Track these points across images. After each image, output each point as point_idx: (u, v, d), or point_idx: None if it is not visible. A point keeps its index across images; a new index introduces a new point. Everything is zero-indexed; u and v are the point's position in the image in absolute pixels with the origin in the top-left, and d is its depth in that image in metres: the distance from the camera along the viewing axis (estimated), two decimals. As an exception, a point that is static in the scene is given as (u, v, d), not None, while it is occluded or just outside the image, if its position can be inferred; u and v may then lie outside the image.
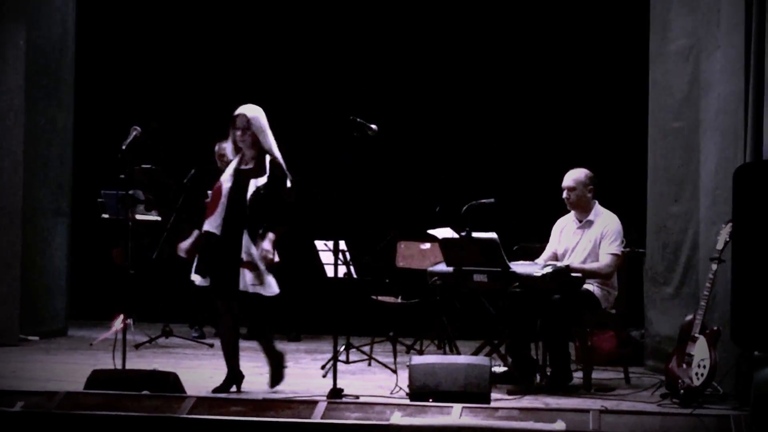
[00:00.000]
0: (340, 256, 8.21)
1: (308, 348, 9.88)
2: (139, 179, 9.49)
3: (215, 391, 7.27)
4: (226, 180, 7.32)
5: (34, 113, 9.79)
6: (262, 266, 7.21)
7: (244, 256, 7.17)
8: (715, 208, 7.55)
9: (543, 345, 7.91)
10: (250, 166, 7.36)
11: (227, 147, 7.48)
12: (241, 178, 7.30)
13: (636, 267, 8.73)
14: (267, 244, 7.19)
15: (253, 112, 7.35)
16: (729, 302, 6.73)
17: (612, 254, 7.76)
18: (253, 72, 11.10)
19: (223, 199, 7.28)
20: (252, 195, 7.24)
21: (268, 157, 7.32)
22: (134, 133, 7.64)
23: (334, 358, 7.27)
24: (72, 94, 10.34)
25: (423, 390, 6.83)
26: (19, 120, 9.53)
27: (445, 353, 8.71)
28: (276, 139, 8.40)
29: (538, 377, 7.79)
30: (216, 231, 7.25)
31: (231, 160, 7.40)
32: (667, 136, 8.61)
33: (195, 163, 9.57)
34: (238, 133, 7.31)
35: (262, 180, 7.27)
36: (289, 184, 7.34)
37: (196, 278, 7.36)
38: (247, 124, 7.30)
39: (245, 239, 7.19)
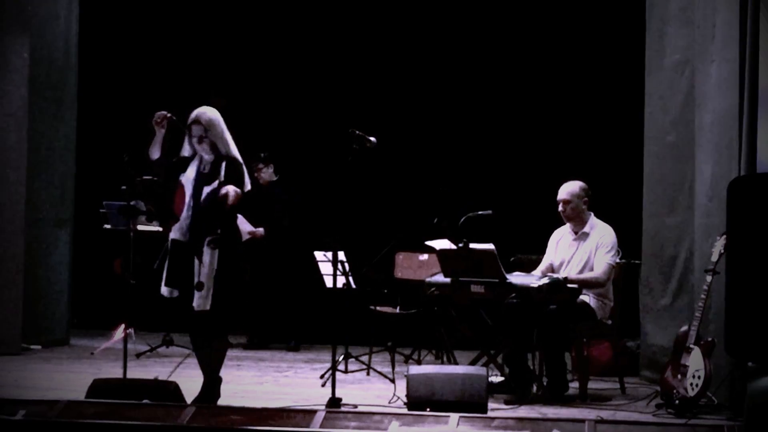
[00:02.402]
0: (339, 266, 8.27)
1: (307, 358, 9.92)
2: (141, 190, 9.53)
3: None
4: (187, 183, 6.97)
5: (37, 124, 9.85)
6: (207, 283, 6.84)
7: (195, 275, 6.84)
8: (709, 221, 7.58)
9: (539, 355, 7.95)
10: (206, 171, 7.00)
11: (185, 146, 7.09)
12: (198, 185, 6.95)
13: (631, 278, 8.75)
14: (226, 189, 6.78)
15: (208, 119, 6.99)
16: (723, 314, 6.77)
17: (608, 264, 7.80)
18: (253, 85, 11.16)
19: (188, 202, 6.91)
20: (203, 202, 6.90)
21: (223, 163, 6.95)
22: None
23: (333, 368, 7.31)
24: (75, 105, 10.38)
25: (421, 399, 6.84)
26: (23, 131, 9.58)
27: (442, 363, 8.73)
28: (276, 150, 8.53)
29: (534, 387, 7.82)
30: (182, 238, 6.91)
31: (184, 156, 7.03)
32: (662, 148, 8.66)
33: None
34: (194, 140, 6.98)
35: (213, 186, 6.90)
36: (248, 186, 7.04)
37: (165, 291, 7.00)
38: (204, 133, 6.96)
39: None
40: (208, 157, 6.99)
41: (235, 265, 6.92)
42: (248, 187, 7.03)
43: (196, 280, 6.80)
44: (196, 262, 6.81)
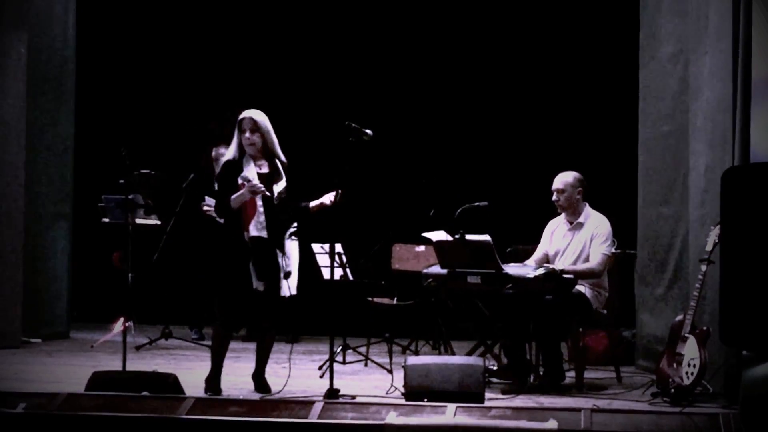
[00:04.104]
0: (337, 258, 8.30)
1: (306, 349, 9.96)
2: (139, 184, 9.57)
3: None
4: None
5: (35, 119, 9.87)
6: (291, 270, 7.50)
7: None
8: (704, 210, 7.61)
9: (536, 345, 7.97)
10: (265, 171, 7.37)
11: (229, 150, 7.42)
12: (266, 184, 7.30)
13: (627, 268, 8.79)
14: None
15: (258, 115, 7.38)
16: (718, 303, 6.80)
17: (603, 254, 7.83)
18: (249, 78, 11.17)
19: (259, 203, 7.28)
20: (277, 200, 7.32)
21: (278, 162, 7.39)
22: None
23: (331, 359, 7.34)
24: (73, 100, 10.41)
25: (418, 390, 6.88)
26: (21, 126, 9.61)
27: (439, 354, 8.75)
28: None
29: (531, 377, 7.86)
30: (263, 235, 7.28)
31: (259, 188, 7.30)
32: (656, 139, 8.70)
33: (193, 168, 9.66)
34: (247, 134, 7.29)
35: (282, 185, 7.34)
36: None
37: (259, 285, 7.30)
38: (255, 125, 7.31)
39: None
40: (258, 154, 7.38)
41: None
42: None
43: (283, 271, 7.34)
44: (279, 254, 7.30)
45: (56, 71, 10.21)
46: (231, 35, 11.32)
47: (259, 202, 7.26)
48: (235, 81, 11.11)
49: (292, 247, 7.50)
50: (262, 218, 7.28)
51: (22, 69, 9.62)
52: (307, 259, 8.82)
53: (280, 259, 7.33)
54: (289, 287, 7.41)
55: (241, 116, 7.37)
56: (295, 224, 7.40)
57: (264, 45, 11.27)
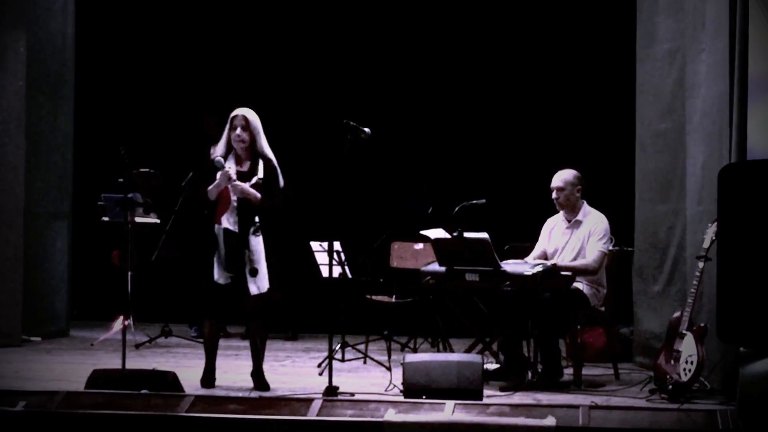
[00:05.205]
0: (335, 256, 8.32)
1: (305, 347, 9.97)
2: (138, 183, 9.59)
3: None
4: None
5: (34, 117, 9.88)
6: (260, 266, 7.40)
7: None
8: (701, 208, 7.63)
9: (534, 342, 7.98)
10: (245, 169, 7.51)
11: (218, 146, 7.58)
12: (242, 180, 7.45)
13: (625, 265, 8.78)
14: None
15: (251, 113, 7.52)
16: (715, 300, 6.81)
17: (600, 251, 7.85)
18: (248, 76, 11.17)
19: (234, 197, 7.41)
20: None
21: (260, 161, 7.48)
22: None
23: (330, 357, 7.36)
24: (72, 99, 10.42)
25: (417, 387, 6.91)
26: (20, 124, 9.62)
27: (438, 351, 8.77)
28: (271, 142, 8.50)
29: (529, 374, 7.86)
30: (234, 228, 7.40)
31: (227, 168, 7.46)
32: (654, 136, 8.71)
33: (192, 166, 9.67)
34: (237, 131, 7.44)
35: (252, 182, 7.44)
36: (281, 183, 7.53)
37: (222, 277, 7.43)
38: (246, 123, 7.46)
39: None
40: (244, 153, 7.51)
41: (274, 251, 7.52)
42: (282, 183, 7.54)
43: (248, 267, 7.35)
44: (245, 251, 7.35)
45: (55, 69, 10.21)
46: (230, 34, 11.33)
47: (234, 197, 7.38)
48: (233, 80, 11.11)
49: (257, 243, 7.41)
50: (235, 213, 7.40)
51: (22, 67, 9.64)
52: (306, 257, 8.86)
53: (246, 256, 7.36)
54: (258, 285, 7.39)
55: (233, 113, 7.52)
56: (258, 220, 7.38)
57: (263, 43, 11.28)
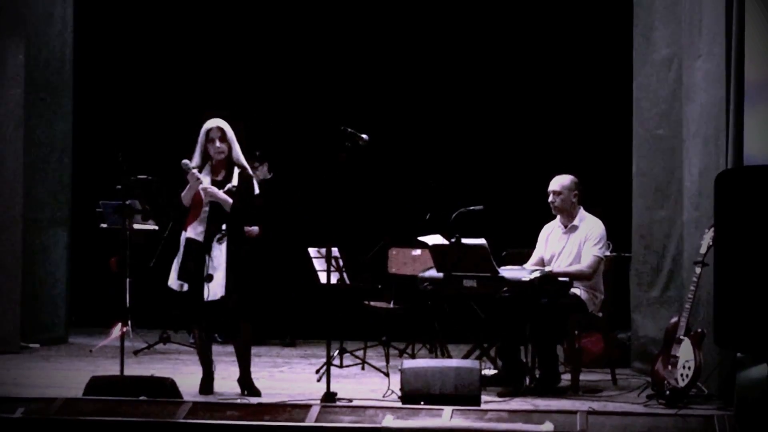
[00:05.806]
0: (333, 262, 8.33)
1: (303, 353, 9.97)
2: (136, 190, 9.60)
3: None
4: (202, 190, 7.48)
5: (33, 124, 9.88)
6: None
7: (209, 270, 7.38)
8: (698, 213, 7.65)
9: (532, 348, 8.00)
10: (220, 178, 7.54)
11: (194, 158, 7.57)
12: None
13: (622, 271, 8.81)
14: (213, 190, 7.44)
15: (225, 124, 7.57)
16: (712, 305, 6.82)
17: (595, 256, 7.86)
18: (246, 82, 11.18)
19: (205, 208, 7.45)
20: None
21: (236, 169, 7.51)
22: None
23: (328, 363, 7.37)
24: (71, 106, 10.40)
25: (414, 393, 6.93)
26: (19, 131, 9.63)
27: (436, 357, 8.79)
28: (269, 149, 8.63)
29: (527, 380, 7.87)
30: (199, 238, 7.41)
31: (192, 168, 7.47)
32: (651, 142, 8.73)
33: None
34: (216, 143, 7.48)
35: (224, 189, 7.46)
36: (257, 190, 7.58)
37: (176, 284, 7.48)
38: (223, 134, 7.51)
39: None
40: (221, 163, 7.53)
41: (244, 258, 7.45)
42: (257, 191, 7.58)
43: (205, 273, 7.30)
44: (207, 258, 7.33)
45: (54, 77, 10.21)
46: (229, 41, 11.32)
47: (206, 208, 7.43)
48: (231, 87, 11.11)
49: (218, 250, 7.37)
50: (204, 223, 7.43)
51: (21, 75, 9.65)
52: (304, 263, 8.87)
53: (207, 262, 7.34)
54: (212, 292, 7.33)
55: (207, 126, 7.57)
56: (224, 227, 7.40)
57: (261, 50, 11.27)
